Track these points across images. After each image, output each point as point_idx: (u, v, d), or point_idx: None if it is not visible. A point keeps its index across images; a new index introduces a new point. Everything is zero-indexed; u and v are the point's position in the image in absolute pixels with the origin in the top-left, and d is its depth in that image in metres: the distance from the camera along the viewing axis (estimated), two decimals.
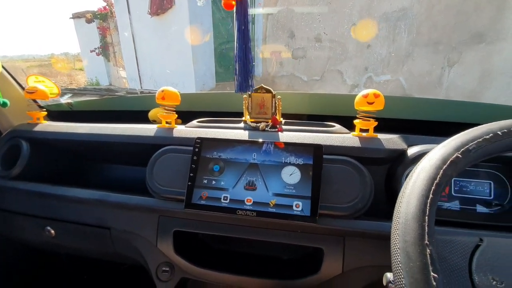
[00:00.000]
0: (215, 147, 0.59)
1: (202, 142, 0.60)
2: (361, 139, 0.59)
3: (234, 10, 0.50)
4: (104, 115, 0.92)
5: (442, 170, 0.32)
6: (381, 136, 0.59)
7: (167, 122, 0.70)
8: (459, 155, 0.32)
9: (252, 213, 0.53)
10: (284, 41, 4.58)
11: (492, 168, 0.57)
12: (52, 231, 0.73)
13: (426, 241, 0.28)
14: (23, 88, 0.86)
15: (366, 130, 0.60)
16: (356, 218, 0.53)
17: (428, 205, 0.30)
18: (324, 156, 0.55)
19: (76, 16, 8.15)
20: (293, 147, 0.56)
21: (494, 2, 2.42)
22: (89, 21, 7.90)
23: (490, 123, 0.35)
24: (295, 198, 0.53)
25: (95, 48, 7.93)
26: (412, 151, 0.55)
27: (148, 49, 5.64)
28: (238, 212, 0.53)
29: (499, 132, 0.33)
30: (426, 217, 0.29)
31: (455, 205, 0.57)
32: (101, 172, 0.87)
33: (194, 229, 0.60)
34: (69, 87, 1.04)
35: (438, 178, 0.31)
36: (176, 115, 0.71)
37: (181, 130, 0.67)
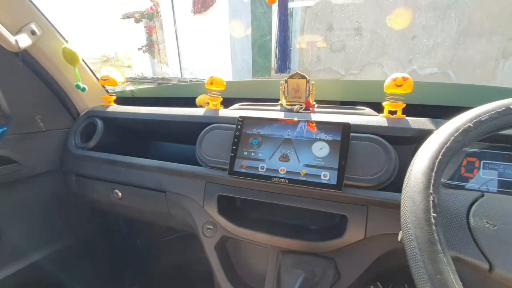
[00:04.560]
0: (254, 125, 0.69)
1: (244, 120, 0.70)
2: (389, 119, 0.63)
3: (276, 4, 0.59)
4: (158, 101, 1.07)
5: (453, 137, 0.37)
6: (409, 118, 0.63)
7: (213, 105, 0.81)
8: (471, 125, 0.37)
9: (285, 180, 0.61)
10: (322, 34, 4.52)
11: None
12: (120, 193, 0.89)
13: (431, 191, 0.34)
14: (96, 77, 1.04)
15: (395, 112, 0.65)
16: (380, 190, 0.58)
17: (436, 163, 0.36)
18: (352, 134, 0.61)
19: (126, 17, 8.87)
20: (323, 125, 0.63)
21: None
22: (137, 21, 8.54)
23: (504, 99, 0.38)
24: (323, 169, 0.60)
25: (142, 46, 8.57)
26: None
27: (189, 46, 5.96)
28: (273, 179, 0.62)
29: (511, 106, 0.37)
30: (434, 172, 0.35)
31: (477, 184, 0.59)
32: (157, 148, 1.02)
33: (235, 194, 0.70)
34: (132, 77, 1.24)
35: (448, 143, 0.37)
36: (222, 99, 0.81)
37: (226, 111, 0.78)
